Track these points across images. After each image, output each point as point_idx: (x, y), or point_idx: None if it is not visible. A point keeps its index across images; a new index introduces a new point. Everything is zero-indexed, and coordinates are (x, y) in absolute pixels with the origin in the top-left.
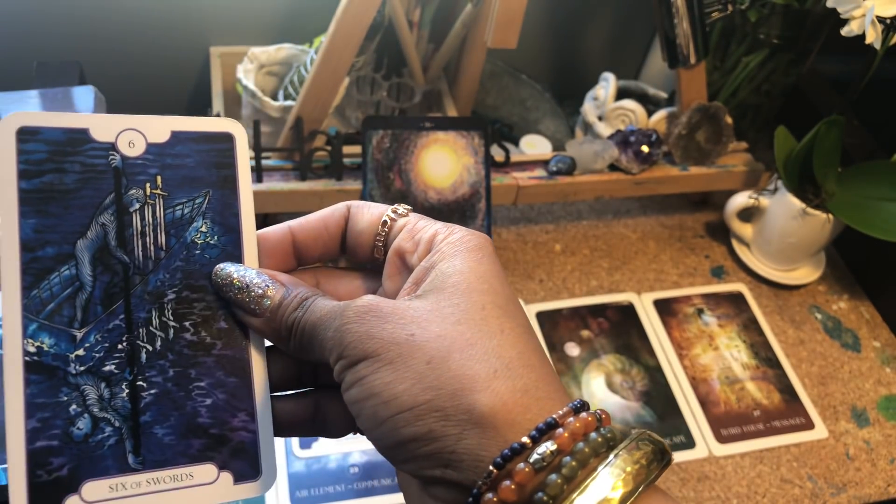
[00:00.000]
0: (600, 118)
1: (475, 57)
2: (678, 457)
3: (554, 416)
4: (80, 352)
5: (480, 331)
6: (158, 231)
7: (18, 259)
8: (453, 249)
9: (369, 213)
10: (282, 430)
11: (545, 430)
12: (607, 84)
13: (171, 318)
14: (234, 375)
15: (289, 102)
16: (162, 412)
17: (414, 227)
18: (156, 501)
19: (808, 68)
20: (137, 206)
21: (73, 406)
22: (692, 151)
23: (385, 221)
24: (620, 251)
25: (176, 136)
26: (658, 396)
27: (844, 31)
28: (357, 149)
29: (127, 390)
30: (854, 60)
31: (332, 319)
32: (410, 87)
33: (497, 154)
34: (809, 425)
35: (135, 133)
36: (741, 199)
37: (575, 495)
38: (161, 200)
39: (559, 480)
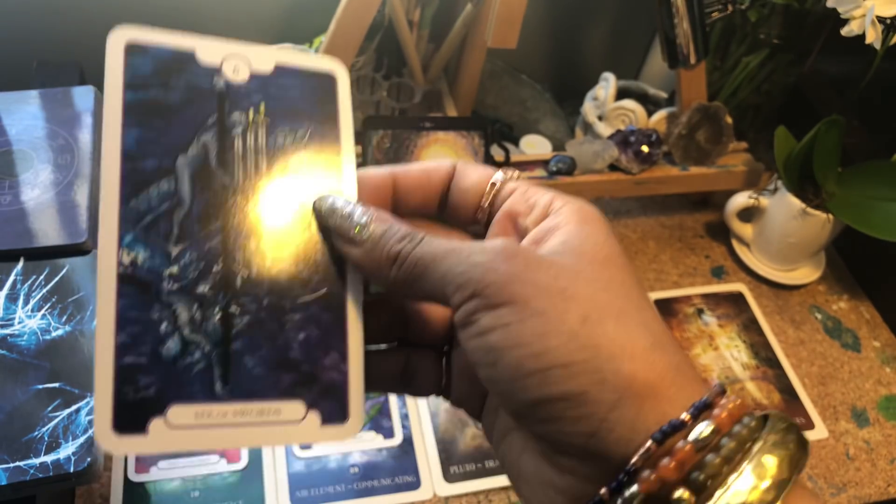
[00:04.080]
0: (600, 118)
1: (475, 57)
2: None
3: (707, 396)
4: (175, 269)
5: (629, 302)
6: (260, 156)
7: (119, 168)
8: (579, 217)
9: (477, 173)
10: (368, 383)
11: (702, 409)
12: (607, 84)
13: (270, 246)
14: (329, 312)
15: None
16: (253, 341)
17: (528, 191)
18: (241, 435)
19: (809, 68)
20: (239, 129)
21: (165, 324)
22: (692, 151)
23: (494, 183)
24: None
25: (280, 68)
26: None
27: (844, 31)
28: (357, 148)
29: (219, 314)
30: (854, 60)
31: (462, 253)
32: (410, 87)
33: (497, 154)
34: (809, 425)
35: (240, 60)
36: (741, 199)
37: (732, 478)
38: (263, 127)
39: (718, 461)
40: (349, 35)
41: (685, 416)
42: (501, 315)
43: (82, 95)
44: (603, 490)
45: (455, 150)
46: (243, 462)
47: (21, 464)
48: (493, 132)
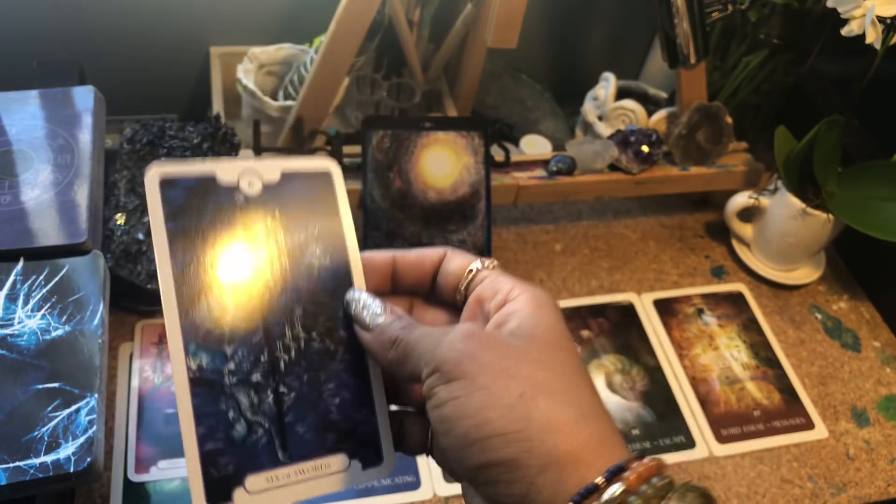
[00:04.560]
0: (600, 118)
1: (475, 57)
2: (678, 457)
3: (622, 461)
4: (232, 366)
5: (564, 381)
6: (282, 257)
7: (174, 290)
8: (534, 304)
9: (461, 260)
10: None
11: (615, 473)
12: (607, 84)
13: (301, 330)
14: (355, 377)
15: (289, 102)
16: (301, 412)
17: (496, 279)
18: (304, 489)
19: (809, 68)
20: (262, 237)
21: (231, 413)
22: (692, 151)
23: (472, 270)
24: (620, 251)
25: (285, 176)
26: (658, 396)
27: (844, 31)
28: (357, 149)
29: (271, 396)
30: (854, 60)
31: (434, 336)
32: (410, 87)
33: (497, 154)
34: (809, 425)
35: (253, 174)
36: (741, 199)
37: None
38: (281, 231)
39: None
40: (349, 35)
41: (599, 479)
42: (453, 389)
43: (82, 95)
44: None
45: (455, 150)
46: None
47: (21, 464)
48: (493, 132)
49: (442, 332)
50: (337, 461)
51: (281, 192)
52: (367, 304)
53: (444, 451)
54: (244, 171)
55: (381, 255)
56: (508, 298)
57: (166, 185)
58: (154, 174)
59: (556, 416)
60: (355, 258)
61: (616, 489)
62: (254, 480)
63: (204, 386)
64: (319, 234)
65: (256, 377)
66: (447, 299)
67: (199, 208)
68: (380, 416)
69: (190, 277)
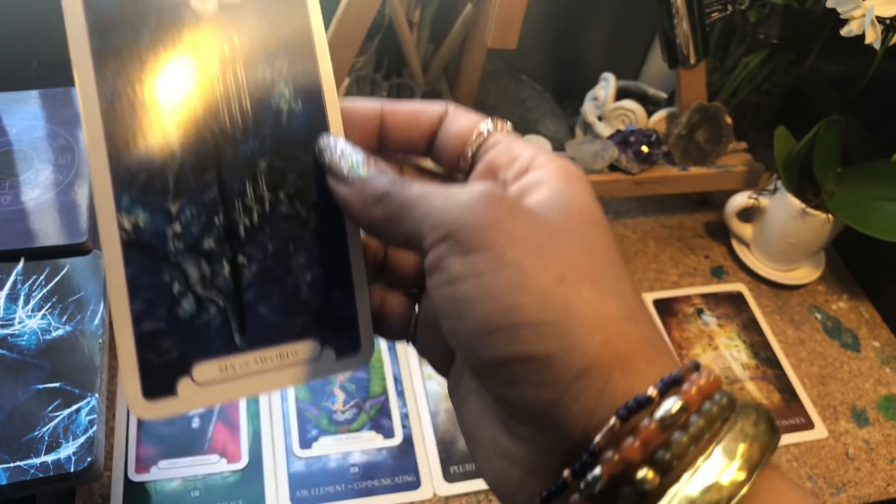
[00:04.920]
0: (600, 118)
1: (475, 57)
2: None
3: (677, 371)
4: (177, 227)
5: (608, 267)
6: (243, 96)
7: (101, 125)
8: (564, 175)
9: (467, 119)
10: None
11: (671, 385)
12: (607, 84)
13: (266, 188)
14: (330, 250)
15: None
16: (264, 289)
17: (513, 144)
18: (265, 380)
19: (808, 68)
20: (217, 68)
21: (176, 285)
22: (692, 151)
23: (482, 132)
24: (620, 251)
25: None
26: None
27: (844, 32)
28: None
29: (228, 267)
30: (854, 61)
31: (443, 195)
32: (410, 88)
33: None
34: (809, 425)
35: None
36: (741, 200)
37: (701, 459)
38: (241, 63)
39: (685, 440)
40: (349, 35)
41: (652, 391)
42: (474, 262)
43: None
44: (566, 472)
45: None
46: (243, 462)
47: (21, 463)
48: None
49: (453, 190)
50: (306, 348)
51: (242, 13)
52: (344, 152)
53: (454, 336)
54: None
55: (368, 105)
56: (532, 167)
57: None
58: None
59: (604, 309)
60: (332, 102)
61: (672, 405)
62: (203, 369)
63: (141, 251)
64: (289, 72)
65: (209, 243)
66: (448, 166)
67: (135, 24)
68: (359, 296)
69: (122, 112)
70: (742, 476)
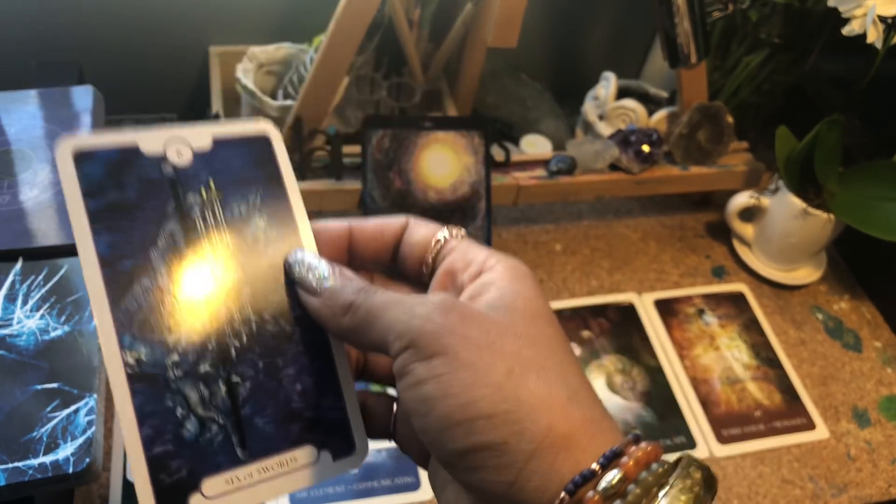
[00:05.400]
0: (601, 118)
1: (475, 56)
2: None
3: (618, 446)
4: (175, 357)
5: (551, 358)
6: (222, 231)
7: (100, 275)
8: (511, 274)
9: (426, 229)
10: None
11: (612, 458)
12: (608, 83)
13: (251, 312)
14: (316, 359)
15: (288, 102)
16: (259, 403)
17: (467, 249)
18: (269, 488)
19: (810, 68)
20: (198, 210)
21: (179, 409)
22: (693, 151)
23: (439, 240)
24: (621, 251)
25: (217, 142)
26: (659, 397)
27: (846, 31)
28: (357, 148)
29: (224, 387)
30: (855, 60)
31: (405, 306)
32: (410, 87)
33: (497, 154)
34: (810, 426)
35: (180, 143)
36: (742, 199)
37: None
38: (218, 203)
39: None
40: (349, 34)
41: (595, 465)
42: (434, 366)
43: (81, 95)
44: None
45: (455, 149)
46: None
47: (20, 464)
48: (493, 132)
49: (414, 301)
50: (304, 454)
51: (214, 160)
52: (311, 266)
53: (423, 433)
54: (170, 140)
55: (335, 225)
56: (484, 269)
57: (82, 159)
58: (65, 148)
59: (548, 396)
60: (305, 228)
61: (613, 476)
62: (211, 483)
63: (145, 382)
64: (262, 205)
65: (205, 367)
66: (411, 273)
67: (122, 184)
68: (348, 400)
69: (118, 261)
70: None
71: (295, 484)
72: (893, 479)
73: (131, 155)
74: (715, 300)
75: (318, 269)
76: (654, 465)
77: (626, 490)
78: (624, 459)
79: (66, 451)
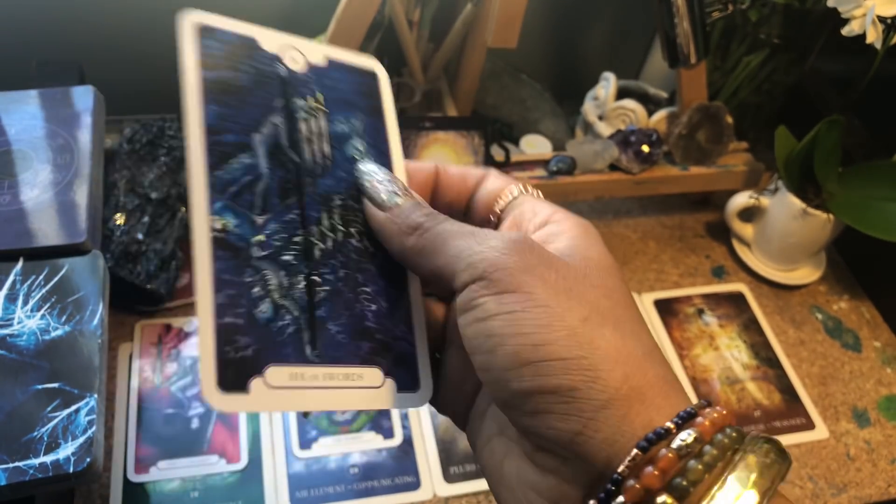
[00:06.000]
0: (601, 118)
1: (475, 57)
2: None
3: (691, 407)
4: (261, 237)
5: (626, 312)
6: (323, 141)
7: (204, 140)
8: (581, 228)
9: (501, 181)
10: None
11: (686, 418)
12: (607, 84)
13: (339, 222)
14: (394, 286)
15: None
16: (335, 310)
17: (535, 203)
18: (329, 396)
19: (809, 68)
20: (303, 115)
21: (257, 288)
22: (693, 151)
23: (511, 192)
24: (621, 251)
25: (331, 62)
26: None
27: (845, 31)
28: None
29: (303, 282)
30: (855, 60)
31: (477, 237)
32: (410, 87)
33: (497, 154)
34: (810, 426)
35: (296, 51)
36: (742, 199)
37: (715, 489)
38: (322, 114)
39: (700, 467)
40: (349, 35)
41: (669, 424)
42: (507, 301)
43: (82, 95)
44: (591, 502)
45: (455, 149)
46: (243, 462)
47: (20, 464)
48: (493, 132)
49: (488, 233)
50: (371, 375)
51: (325, 76)
52: (384, 180)
53: (485, 370)
54: (286, 45)
55: (424, 166)
56: (550, 220)
57: (205, 32)
58: (191, 19)
59: (623, 348)
60: (398, 163)
61: (688, 436)
62: (275, 372)
63: (228, 249)
64: (363, 130)
65: (288, 257)
66: (479, 219)
67: (237, 66)
68: (418, 337)
69: (222, 133)
70: (754, 502)
71: (356, 402)
72: (893, 478)
73: (250, 44)
74: (714, 300)
75: (390, 185)
76: (728, 429)
77: (701, 450)
78: (699, 420)
79: (66, 450)
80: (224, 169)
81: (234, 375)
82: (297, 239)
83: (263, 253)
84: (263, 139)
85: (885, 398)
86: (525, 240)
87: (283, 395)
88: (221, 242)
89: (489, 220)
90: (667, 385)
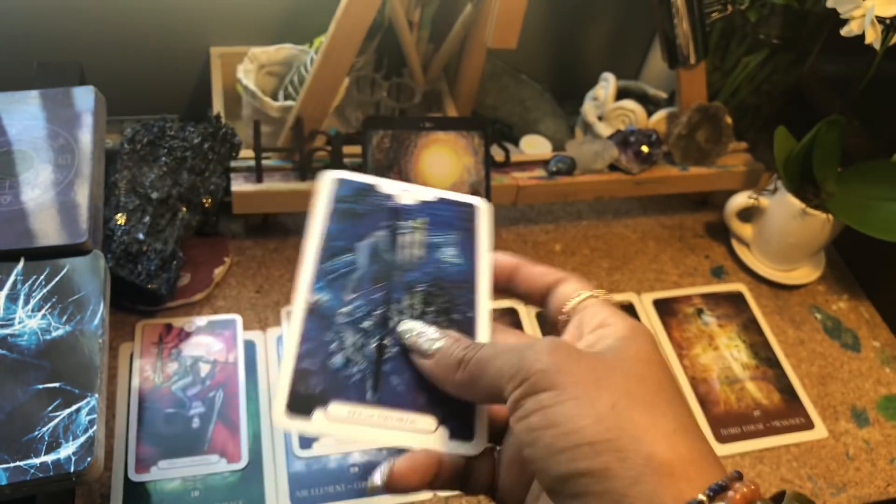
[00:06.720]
0: (600, 118)
1: (475, 57)
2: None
3: (723, 479)
4: (347, 309)
5: (659, 396)
6: (418, 247)
7: (319, 243)
8: (629, 329)
9: (576, 284)
10: (427, 484)
11: (718, 491)
12: (607, 84)
13: (419, 301)
14: None
15: (289, 102)
16: (399, 367)
17: (601, 306)
18: (381, 434)
19: (808, 68)
20: (407, 231)
21: (334, 345)
22: (692, 151)
23: (580, 295)
24: (620, 251)
25: (441, 199)
26: None
27: (844, 32)
28: (357, 149)
29: (375, 344)
30: (854, 61)
31: (516, 351)
32: (410, 88)
33: (497, 154)
34: (809, 425)
35: (410, 193)
36: (741, 199)
37: None
38: (424, 231)
39: None
40: (349, 35)
41: (702, 496)
42: (542, 399)
43: (83, 95)
44: None
45: (455, 150)
46: (243, 462)
47: (21, 463)
48: (493, 132)
49: (522, 345)
50: (424, 421)
51: (433, 207)
52: (421, 332)
53: (531, 461)
54: (402, 189)
55: (510, 259)
56: (605, 323)
57: (338, 183)
58: (331, 174)
59: (652, 426)
60: (484, 268)
61: None
62: (336, 407)
63: (317, 316)
64: (456, 241)
65: (367, 324)
66: (551, 318)
67: (357, 200)
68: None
69: (334, 240)
70: None
71: (407, 441)
72: (892, 478)
73: (371, 188)
74: (714, 300)
75: (427, 333)
76: (759, 503)
77: None
78: (730, 494)
79: (67, 450)
80: (329, 263)
81: (301, 404)
82: (377, 312)
83: (346, 320)
84: (366, 245)
85: (884, 398)
86: (553, 343)
87: (339, 427)
88: (313, 310)
89: (559, 318)
90: (699, 457)
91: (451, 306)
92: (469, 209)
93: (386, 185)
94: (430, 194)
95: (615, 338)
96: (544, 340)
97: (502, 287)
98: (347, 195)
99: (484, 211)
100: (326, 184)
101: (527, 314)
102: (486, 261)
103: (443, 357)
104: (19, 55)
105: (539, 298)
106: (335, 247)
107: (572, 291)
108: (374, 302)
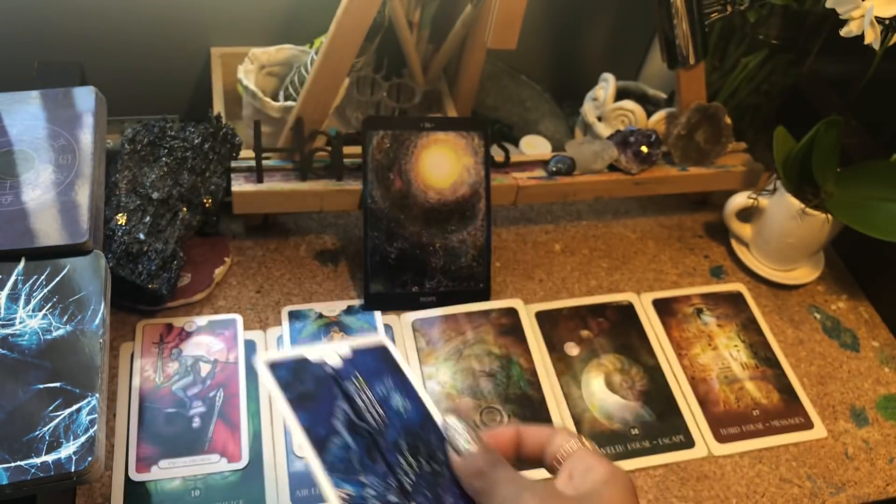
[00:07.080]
0: (600, 118)
1: (475, 57)
2: (677, 457)
3: None
4: (371, 491)
5: None
6: (375, 406)
7: (309, 442)
8: (608, 476)
9: (565, 437)
10: None
11: None
12: (607, 84)
13: (411, 457)
14: (462, 489)
15: (289, 103)
16: None
17: (585, 455)
18: None
19: (808, 69)
20: (355, 393)
21: None
22: (691, 152)
23: (572, 446)
24: (620, 251)
25: (355, 351)
26: (657, 396)
27: (843, 32)
28: (357, 149)
29: None
30: (853, 61)
31: (517, 486)
32: (410, 88)
33: (497, 154)
34: (808, 425)
35: (332, 353)
36: (740, 200)
37: None
38: (367, 388)
39: None
40: (349, 36)
41: None
42: None
43: (83, 96)
44: None
45: (455, 150)
46: (244, 461)
47: (22, 463)
48: (493, 132)
49: (525, 483)
50: None
51: (356, 361)
52: (460, 432)
53: None
54: (324, 352)
55: (508, 429)
56: (590, 468)
57: (273, 366)
58: (262, 361)
59: None
60: (426, 398)
61: None
62: None
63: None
64: (395, 385)
65: (393, 498)
66: (548, 464)
67: (302, 380)
68: None
69: (314, 429)
70: None
71: None
72: (891, 477)
73: (302, 362)
74: (713, 300)
75: (465, 435)
76: None
77: None
78: None
79: (68, 450)
80: (328, 453)
81: None
82: (390, 481)
83: (376, 500)
84: (340, 422)
85: (883, 397)
86: (545, 491)
87: None
88: (347, 502)
89: (554, 465)
90: None
91: (432, 449)
92: (383, 350)
93: (310, 353)
94: (345, 348)
95: (594, 482)
96: (540, 485)
97: (514, 456)
98: (289, 379)
99: (392, 347)
100: (265, 374)
101: (527, 314)
102: (420, 384)
103: (469, 459)
104: (20, 55)
105: (539, 455)
106: (320, 437)
107: (563, 442)
108: (382, 474)
